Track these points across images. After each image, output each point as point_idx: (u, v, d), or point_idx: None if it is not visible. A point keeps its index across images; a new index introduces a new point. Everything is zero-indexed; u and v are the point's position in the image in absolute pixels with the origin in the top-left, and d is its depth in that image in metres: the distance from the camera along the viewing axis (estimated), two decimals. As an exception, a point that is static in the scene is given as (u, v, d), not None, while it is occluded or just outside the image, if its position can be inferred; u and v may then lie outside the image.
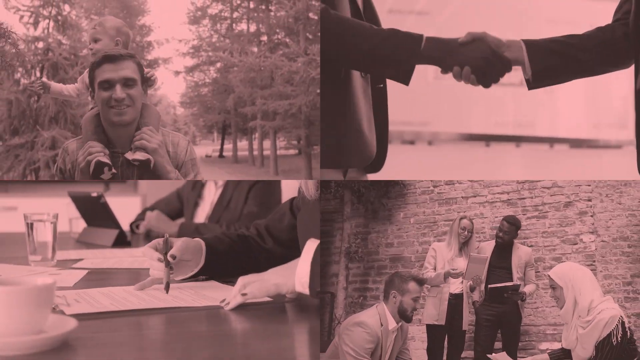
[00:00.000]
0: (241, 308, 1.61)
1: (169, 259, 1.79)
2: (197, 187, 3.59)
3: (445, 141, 4.27)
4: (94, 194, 3.07)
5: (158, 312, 1.58)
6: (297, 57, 5.65)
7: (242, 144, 6.79)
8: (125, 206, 3.84)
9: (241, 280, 1.64)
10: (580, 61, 1.89)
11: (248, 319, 1.56)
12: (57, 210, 3.17)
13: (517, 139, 4.36)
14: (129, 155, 2.00)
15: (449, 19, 3.95)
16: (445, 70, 1.83)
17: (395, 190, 3.51)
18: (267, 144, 6.40)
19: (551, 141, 4.49)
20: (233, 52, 6.12)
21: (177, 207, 3.71)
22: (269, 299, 1.68)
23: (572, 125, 4.47)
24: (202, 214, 3.51)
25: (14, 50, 5.07)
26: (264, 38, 6.16)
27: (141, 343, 1.35)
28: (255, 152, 6.56)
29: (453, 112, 4.11)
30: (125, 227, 3.28)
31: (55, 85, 2.62)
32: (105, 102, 1.99)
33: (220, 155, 6.99)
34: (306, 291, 1.60)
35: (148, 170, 2.01)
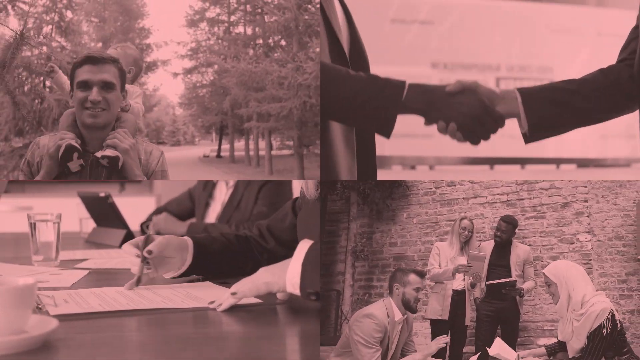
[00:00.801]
0: (233, 310, 1.58)
1: (145, 254, 1.78)
2: (208, 187, 3.55)
3: (447, 165, 4.11)
4: (102, 194, 3.04)
5: (145, 313, 1.54)
6: (286, 64, 5.81)
7: (240, 144, 6.91)
8: (139, 206, 3.86)
9: (235, 286, 1.61)
10: (581, 109, 1.72)
11: (238, 321, 1.51)
12: (70, 211, 3.21)
13: (522, 161, 4.16)
14: (99, 153, 1.95)
15: (452, 28, 3.80)
16: (429, 122, 1.66)
17: (399, 191, 3.56)
18: (263, 144, 6.55)
19: (557, 162, 4.30)
20: (227, 58, 6.25)
21: (189, 207, 3.66)
22: (258, 300, 1.65)
23: (579, 136, 4.36)
24: (212, 214, 3.48)
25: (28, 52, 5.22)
26: (260, 41, 6.32)
27: (124, 344, 1.32)
28: (252, 153, 6.70)
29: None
30: (135, 227, 3.25)
31: (61, 75, 2.52)
32: (81, 103, 1.96)
33: (218, 155, 7.11)
34: (297, 292, 1.57)
35: (116, 170, 1.96)
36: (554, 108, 1.69)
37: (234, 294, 1.58)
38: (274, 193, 3.33)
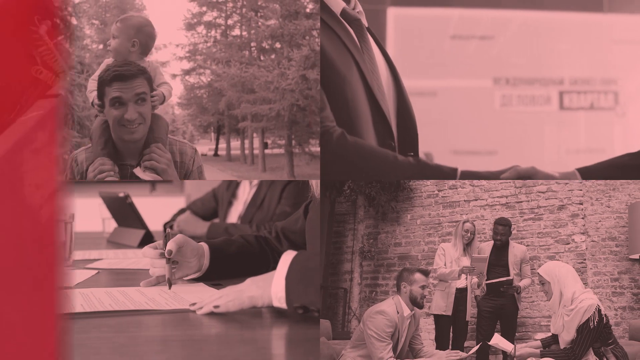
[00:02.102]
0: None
1: (166, 254, 1.81)
2: (232, 187, 3.52)
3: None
4: (121, 194, 3.08)
5: (128, 315, 1.55)
6: (273, 70, 6.11)
7: (237, 143, 7.17)
8: (167, 205, 3.86)
9: (219, 293, 1.61)
10: None
11: (223, 323, 1.51)
12: (97, 211, 3.20)
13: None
14: (139, 173, 1.99)
15: (512, 42, 3.68)
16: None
17: (403, 194, 3.66)
18: (258, 143, 6.81)
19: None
20: (219, 63, 6.51)
21: (213, 207, 3.66)
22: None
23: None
24: (235, 214, 3.48)
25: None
26: (254, 44, 6.59)
27: (105, 345, 1.33)
28: (247, 151, 6.96)
29: (521, 140, 3.65)
30: (155, 227, 3.24)
31: None
32: (117, 121, 1.96)
33: (215, 154, 7.36)
34: (283, 306, 1.54)
35: None
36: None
37: (216, 307, 1.57)
38: (298, 193, 3.24)
